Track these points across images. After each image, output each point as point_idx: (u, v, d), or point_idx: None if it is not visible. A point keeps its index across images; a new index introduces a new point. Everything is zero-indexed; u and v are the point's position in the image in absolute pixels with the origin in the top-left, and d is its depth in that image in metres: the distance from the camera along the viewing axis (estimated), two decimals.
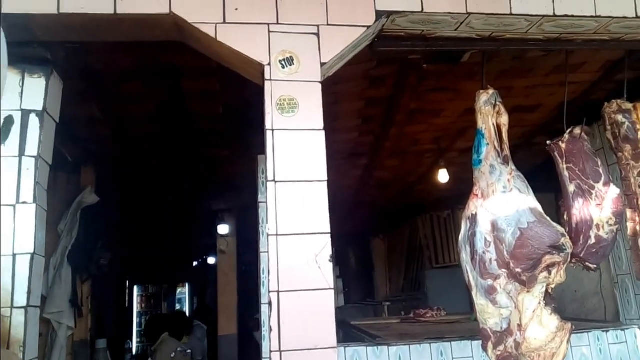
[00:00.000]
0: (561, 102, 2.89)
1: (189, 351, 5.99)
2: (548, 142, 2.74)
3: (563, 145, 2.67)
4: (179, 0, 2.03)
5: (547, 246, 2.27)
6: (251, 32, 2.05)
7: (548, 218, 2.36)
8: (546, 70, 3.60)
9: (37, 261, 2.04)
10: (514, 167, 2.48)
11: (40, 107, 2.14)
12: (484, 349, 2.42)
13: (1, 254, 1.95)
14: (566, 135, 2.69)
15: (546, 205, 2.73)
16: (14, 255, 1.98)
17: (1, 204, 1.99)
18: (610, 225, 2.54)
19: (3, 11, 1.86)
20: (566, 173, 2.64)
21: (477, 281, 2.40)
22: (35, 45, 2.16)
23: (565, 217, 2.64)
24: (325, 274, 1.82)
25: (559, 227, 2.33)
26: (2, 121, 2.03)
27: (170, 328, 5.45)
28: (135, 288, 11.65)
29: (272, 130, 1.97)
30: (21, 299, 1.94)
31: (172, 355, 5.00)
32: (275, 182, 1.92)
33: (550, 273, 2.26)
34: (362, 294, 10.56)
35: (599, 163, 2.64)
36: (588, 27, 2.39)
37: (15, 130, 2.09)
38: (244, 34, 2.04)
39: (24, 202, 2.03)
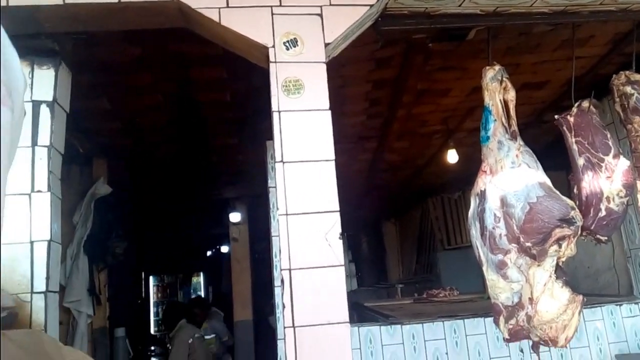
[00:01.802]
0: (569, 78, 2.87)
1: (211, 336, 6.09)
2: (556, 116, 2.73)
3: (571, 119, 2.67)
4: None
5: (557, 219, 2.28)
6: (254, 15, 2.06)
7: (557, 192, 2.36)
8: (553, 46, 3.56)
9: (53, 248, 2.09)
10: (522, 143, 2.47)
11: (50, 98, 2.18)
12: (496, 323, 2.45)
13: (19, 241, 2.01)
14: (574, 109, 2.67)
15: (557, 183, 2.72)
16: (32, 243, 2.03)
17: (16, 192, 2.04)
18: (621, 197, 2.53)
19: (10, 3, 1.90)
20: (575, 147, 2.64)
21: (488, 256, 2.42)
22: (42, 37, 2.19)
23: (575, 190, 2.64)
24: (335, 251, 1.84)
25: (568, 201, 2.34)
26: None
27: (188, 314, 5.55)
28: (151, 278, 11.82)
29: (279, 112, 1.98)
30: (40, 285, 1.99)
31: (190, 341, 5.07)
32: (284, 162, 1.94)
33: (560, 246, 2.27)
34: (375, 278, 10.63)
35: (608, 136, 2.63)
36: None
37: (27, 121, 2.13)
38: (247, 17, 2.05)
39: (39, 191, 2.08)
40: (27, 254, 2.01)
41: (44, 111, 2.15)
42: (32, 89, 2.17)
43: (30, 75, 2.18)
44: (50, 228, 2.07)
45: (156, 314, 11.58)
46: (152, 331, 10.76)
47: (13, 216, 2.02)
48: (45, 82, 2.19)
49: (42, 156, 2.11)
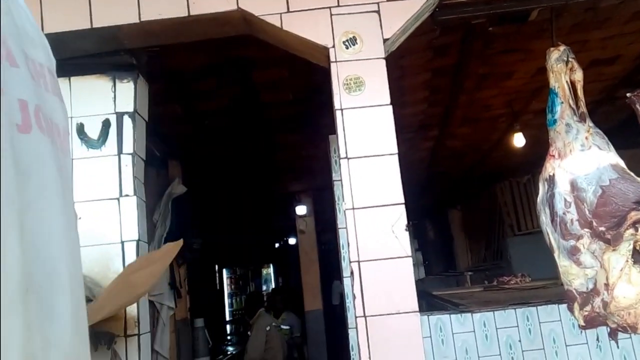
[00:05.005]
0: None
1: (286, 327, 6.35)
2: (628, 94, 2.61)
3: None
4: None
5: (632, 202, 2.20)
6: (314, 17, 2.13)
7: (632, 173, 2.28)
8: (624, 19, 3.40)
9: (141, 247, 2.29)
10: (591, 124, 2.40)
11: (131, 109, 2.37)
12: (570, 310, 2.40)
13: (111, 242, 2.22)
14: None
15: (633, 162, 2.62)
16: (122, 243, 2.24)
17: (106, 197, 2.25)
18: None
19: (94, 25, 2.09)
20: None
21: (559, 242, 2.38)
22: (121, 53, 2.38)
23: None
24: (402, 242, 1.89)
25: None
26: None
27: (268, 303, 5.85)
28: (225, 271, 12.28)
29: (341, 109, 2.05)
30: None
31: (267, 329, 5.32)
32: (348, 159, 2.01)
33: (637, 230, 2.19)
34: (443, 266, 10.51)
35: None
36: None
37: (112, 131, 2.33)
38: (308, 20, 2.13)
39: (126, 195, 2.27)
40: (119, 252, 2.22)
41: (127, 121, 2.35)
42: (115, 101, 2.37)
43: (113, 89, 2.37)
44: (138, 228, 2.26)
45: (230, 305, 12.05)
46: (227, 318, 11.27)
47: (105, 219, 2.24)
48: (126, 94, 2.38)
49: (127, 163, 2.31)
